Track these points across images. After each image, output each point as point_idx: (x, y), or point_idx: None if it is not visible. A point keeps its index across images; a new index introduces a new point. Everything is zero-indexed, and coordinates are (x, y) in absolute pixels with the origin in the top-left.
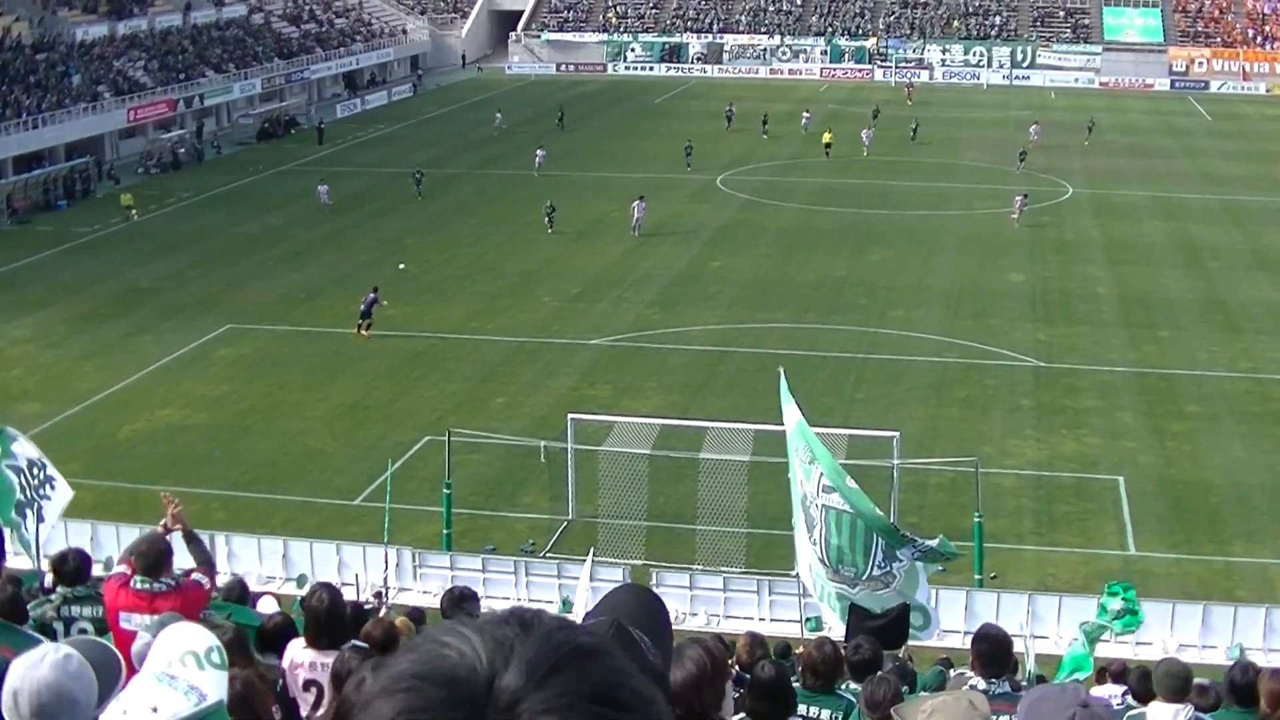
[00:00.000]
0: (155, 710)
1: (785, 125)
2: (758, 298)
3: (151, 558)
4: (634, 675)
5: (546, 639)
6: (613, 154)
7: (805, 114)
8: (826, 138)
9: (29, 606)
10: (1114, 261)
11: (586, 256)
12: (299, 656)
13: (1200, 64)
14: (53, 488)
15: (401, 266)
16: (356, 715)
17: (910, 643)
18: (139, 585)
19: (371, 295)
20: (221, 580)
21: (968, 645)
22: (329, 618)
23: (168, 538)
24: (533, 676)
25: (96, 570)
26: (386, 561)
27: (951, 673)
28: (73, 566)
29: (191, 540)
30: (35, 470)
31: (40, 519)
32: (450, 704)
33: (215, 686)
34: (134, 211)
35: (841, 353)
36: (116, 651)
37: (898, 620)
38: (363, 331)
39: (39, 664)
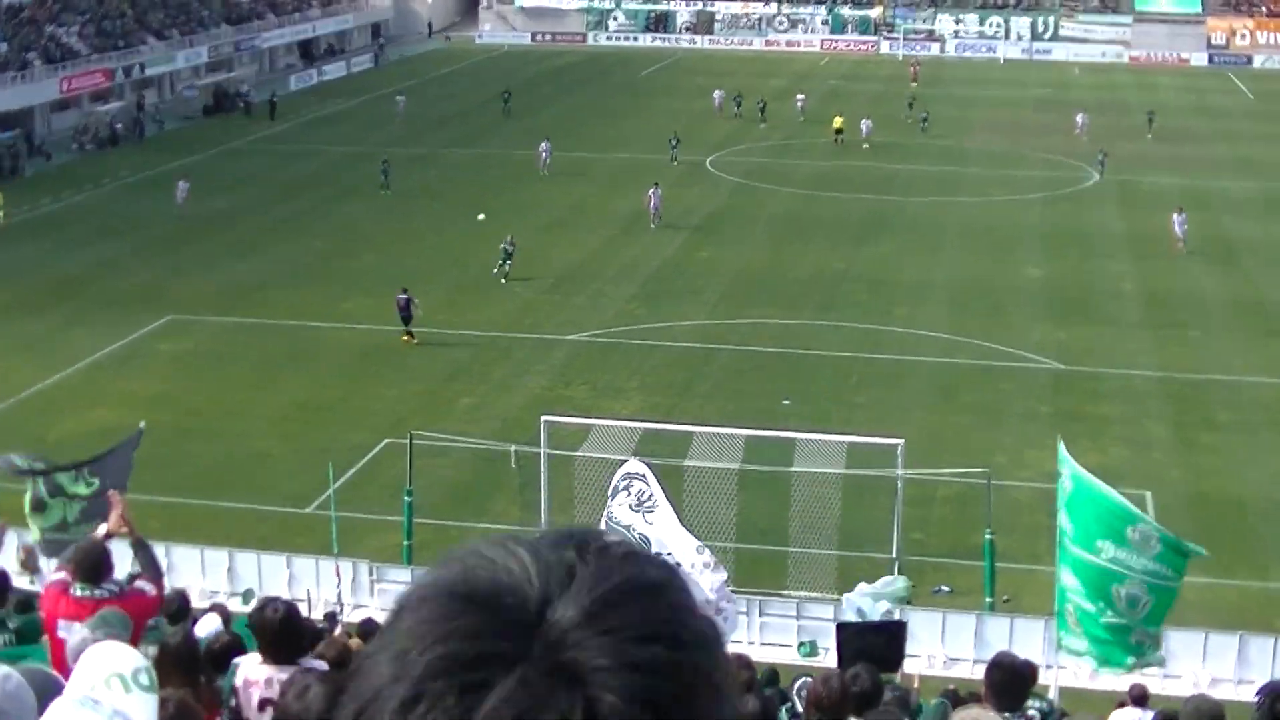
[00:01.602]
0: None
1: (781, 104)
2: (749, 291)
3: (90, 562)
4: (697, 614)
5: (608, 570)
6: (592, 134)
7: (800, 96)
8: (838, 122)
9: None
10: (1140, 255)
11: (562, 246)
12: (253, 674)
13: (1242, 36)
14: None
15: (481, 217)
16: (380, 638)
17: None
18: (79, 592)
19: (403, 296)
20: None
21: (977, 675)
22: (284, 628)
23: (111, 542)
24: (589, 609)
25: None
26: (338, 575)
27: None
28: None
29: (139, 546)
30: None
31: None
32: (493, 631)
33: (143, 711)
34: (1, 214)
35: (840, 352)
36: (60, 678)
37: (893, 638)
38: (407, 338)
39: None
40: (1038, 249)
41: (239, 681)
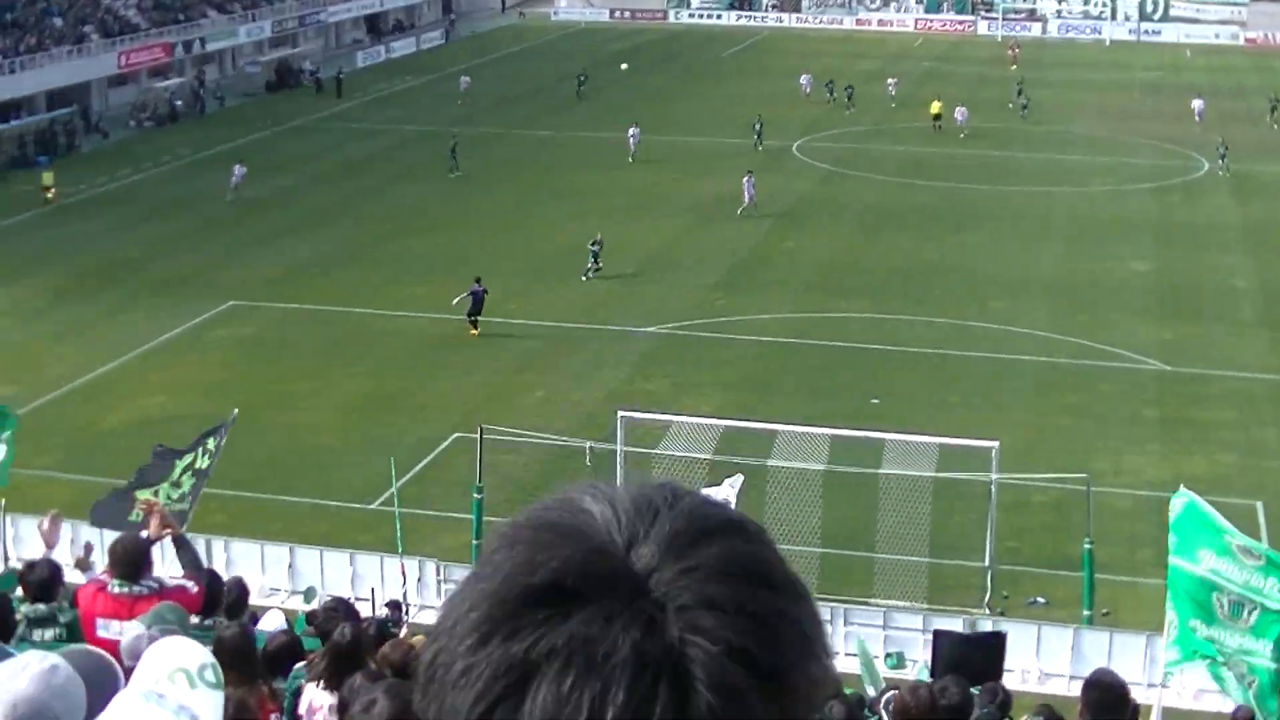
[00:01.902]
0: None
1: (871, 87)
2: (837, 283)
3: (129, 559)
4: (785, 562)
5: (696, 509)
6: (671, 117)
7: (891, 80)
8: (935, 107)
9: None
10: (1255, 249)
11: (640, 233)
12: (316, 700)
13: None
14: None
15: (624, 67)
16: (466, 577)
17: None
18: (117, 590)
19: (477, 287)
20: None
21: (1072, 692)
22: (352, 654)
23: (153, 542)
24: (674, 548)
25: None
26: (404, 574)
27: None
28: (40, 577)
29: (180, 545)
30: None
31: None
32: (577, 565)
33: (209, 707)
34: (52, 193)
35: (933, 349)
36: (113, 661)
37: (991, 649)
38: (474, 331)
39: (18, 675)
40: (1144, 242)
41: (303, 709)
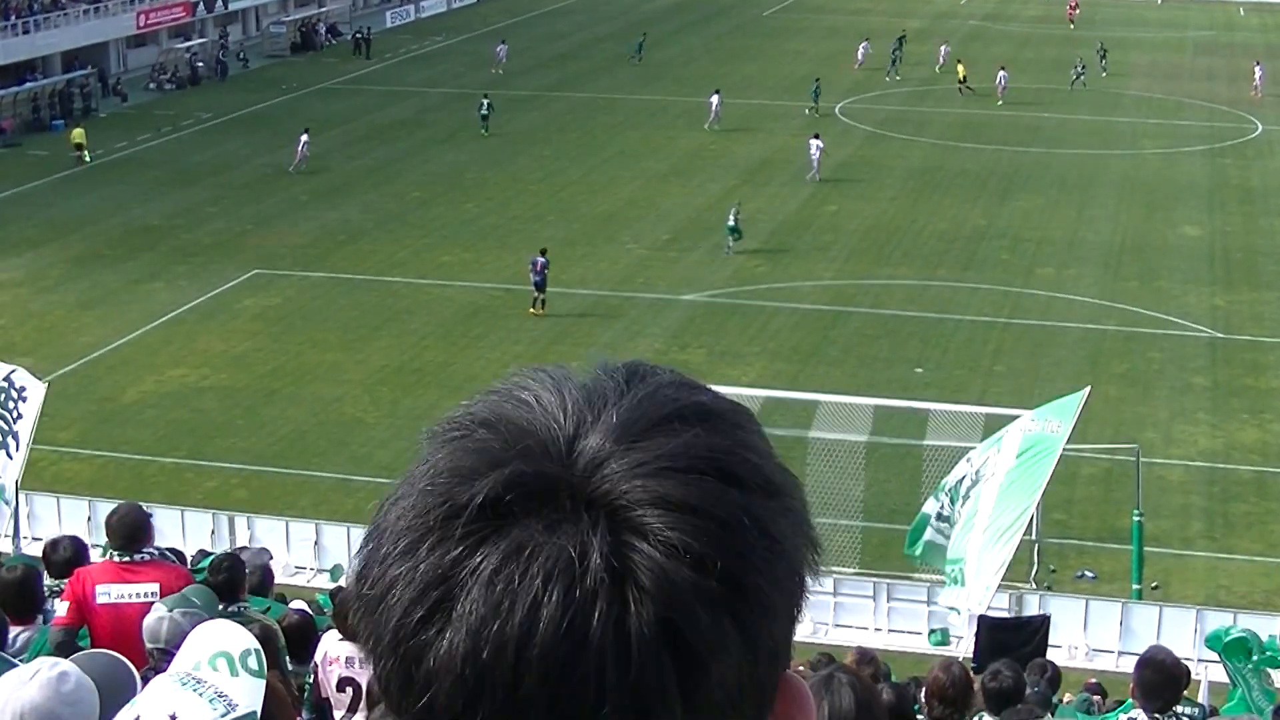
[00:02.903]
0: (173, 717)
1: (918, 46)
2: (880, 250)
3: (126, 529)
4: (764, 453)
5: (653, 394)
6: (709, 77)
7: (944, 47)
8: (961, 70)
9: None
10: None
11: (678, 198)
12: (333, 650)
13: None
14: (21, 398)
15: None
16: (405, 476)
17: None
18: (116, 558)
19: (541, 259)
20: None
21: (1121, 668)
22: None
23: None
24: (625, 435)
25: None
26: None
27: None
28: (65, 555)
29: None
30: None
31: (9, 454)
32: (512, 463)
33: (248, 695)
34: (85, 154)
35: (979, 316)
36: (129, 665)
37: (1035, 632)
38: (535, 309)
39: (26, 682)
40: (1197, 206)
41: (319, 657)
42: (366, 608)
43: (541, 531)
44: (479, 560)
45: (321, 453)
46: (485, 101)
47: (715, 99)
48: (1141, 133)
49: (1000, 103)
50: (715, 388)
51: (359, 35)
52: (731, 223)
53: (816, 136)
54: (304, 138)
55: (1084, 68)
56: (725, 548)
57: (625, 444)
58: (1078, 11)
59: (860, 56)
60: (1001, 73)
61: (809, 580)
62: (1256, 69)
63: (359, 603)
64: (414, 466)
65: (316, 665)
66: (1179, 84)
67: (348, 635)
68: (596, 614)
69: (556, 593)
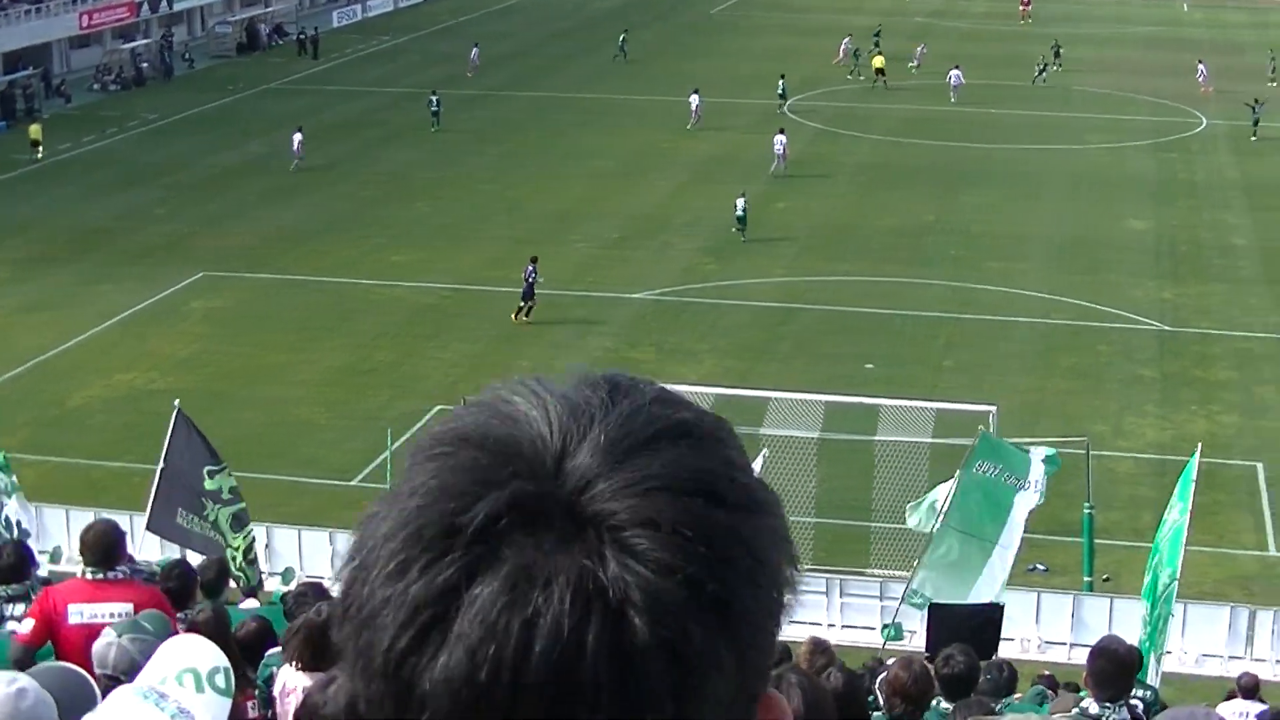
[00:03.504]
0: None
1: (863, 43)
2: (830, 246)
3: (101, 547)
4: (746, 470)
5: (639, 411)
6: (657, 75)
7: (920, 49)
8: (878, 61)
9: None
10: (1256, 207)
11: (628, 195)
12: (291, 681)
13: None
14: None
15: None
16: (385, 494)
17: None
18: (89, 576)
19: (530, 267)
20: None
21: (1074, 660)
22: (325, 635)
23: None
24: (612, 454)
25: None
26: None
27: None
28: (9, 561)
29: None
30: None
31: None
32: (503, 482)
33: (212, 713)
34: (42, 150)
35: (929, 312)
36: (88, 678)
37: (988, 621)
38: (521, 316)
39: None
40: (1143, 200)
41: (276, 690)
42: (354, 630)
43: (535, 552)
44: (472, 581)
45: (272, 455)
46: (434, 98)
47: (695, 98)
48: (1088, 128)
49: (953, 100)
50: (671, 387)
51: (303, 36)
52: (739, 212)
53: (781, 132)
54: (298, 136)
55: (1046, 65)
56: (715, 567)
57: (613, 463)
58: (1030, 8)
59: (841, 54)
60: (955, 71)
61: (789, 596)
62: (1200, 66)
63: (345, 624)
64: (400, 484)
65: (274, 698)
66: (1125, 79)
67: (307, 666)
68: (592, 634)
69: (551, 613)
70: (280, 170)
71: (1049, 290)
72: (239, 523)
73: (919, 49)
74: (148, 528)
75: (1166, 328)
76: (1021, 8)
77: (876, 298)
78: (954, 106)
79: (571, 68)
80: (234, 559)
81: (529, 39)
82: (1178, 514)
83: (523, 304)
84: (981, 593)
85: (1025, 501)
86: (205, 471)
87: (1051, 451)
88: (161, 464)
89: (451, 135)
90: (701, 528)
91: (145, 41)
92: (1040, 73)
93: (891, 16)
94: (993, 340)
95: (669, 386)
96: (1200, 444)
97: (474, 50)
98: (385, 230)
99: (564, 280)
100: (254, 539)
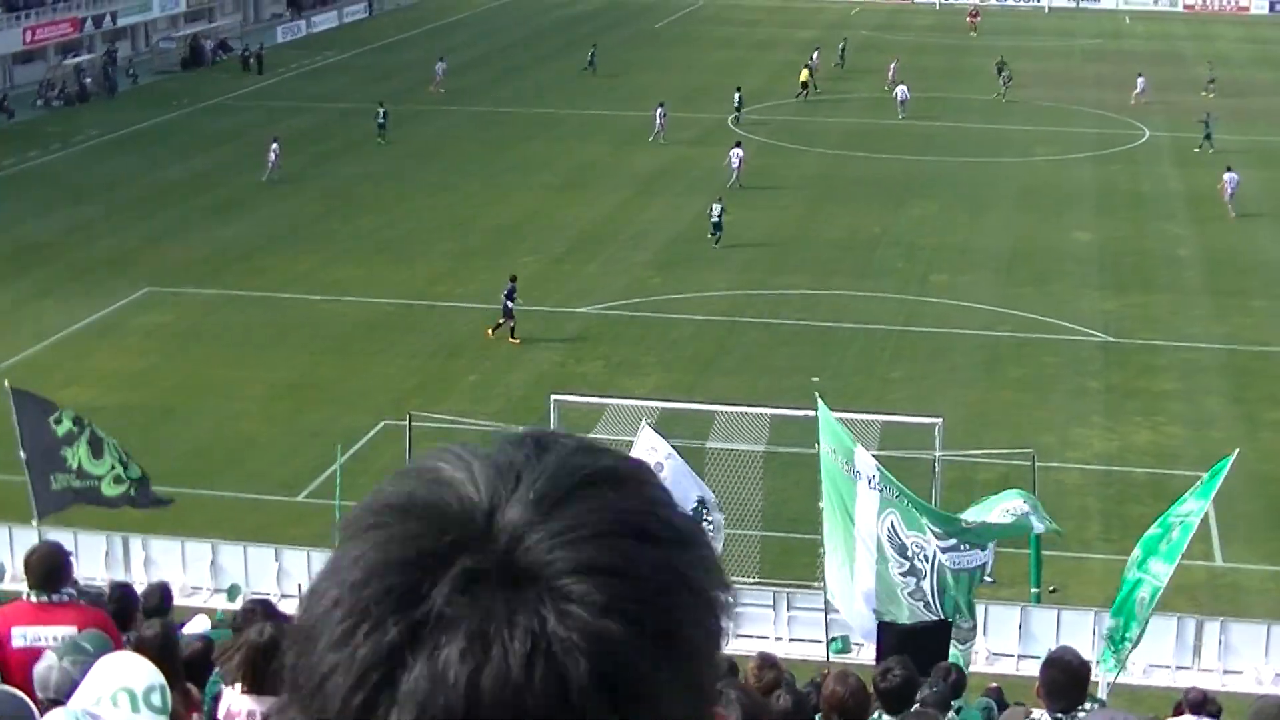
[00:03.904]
0: None
1: (803, 56)
2: (776, 259)
3: (44, 568)
4: (671, 506)
5: (562, 463)
6: (604, 88)
7: (892, 66)
8: (803, 75)
9: None
10: (1199, 218)
11: (573, 210)
12: (235, 704)
13: None
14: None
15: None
16: (322, 567)
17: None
18: (33, 598)
19: (510, 286)
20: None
21: (1023, 671)
22: (270, 654)
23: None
24: (539, 508)
25: None
26: None
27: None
28: None
29: None
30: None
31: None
32: (438, 543)
33: None
34: None
35: (875, 324)
36: (29, 702)
37: (935, 638)
38: (493, 333)
39: None
40: (1087, 211)
41: (221, 714)
42: (305, 699)
43: (476, 608)
44: (417, 641)
45: (217, 471)
46: (381, 111)
47: (660, 110)
48: (1033, 140)
49: (901, 117)
50: (620, 401)
51: (247, 53)
52: (715, 219)
53: (738, 145)
54: (274, 146)
55: (1005, 74)
56: (652, 603)
57: (543, 515)
58: (979, 19)
59: (815, 62)
60: (901, 87)
61: (724, 621)
62: (1140, 80)
63: (295, 694)
64: (337, 558)
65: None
66: (1068, 91)
67: (251, 688)
68: (538, 680)
69: (496, 664)
70: (226, 185)
71: (995, 302)
72: (96, 448)
73: (891, 66)
74: (38, 518)
75: (1111, 339)
76: (970, 19)
77: (823, 311)
78: (898, 119)
79: (516, 82)
80: (110, 486)
81: (473, 54)
82: (1193, 507)
83: (502, 321)
84: (868, 596)
85: (868, 499)
86: (50, 422)
87: (1026, 512)
88: (22, 452)
89: (397, 149)
90: (635, 566)
91: (89, 57)
92: (1004, 82)
93: (835, 29)
94: (939, 352)
95: (616, 401)
96: (1237, 449)
97: (440, 64)
98: (330, 245)
99: None
100: (118, 449)
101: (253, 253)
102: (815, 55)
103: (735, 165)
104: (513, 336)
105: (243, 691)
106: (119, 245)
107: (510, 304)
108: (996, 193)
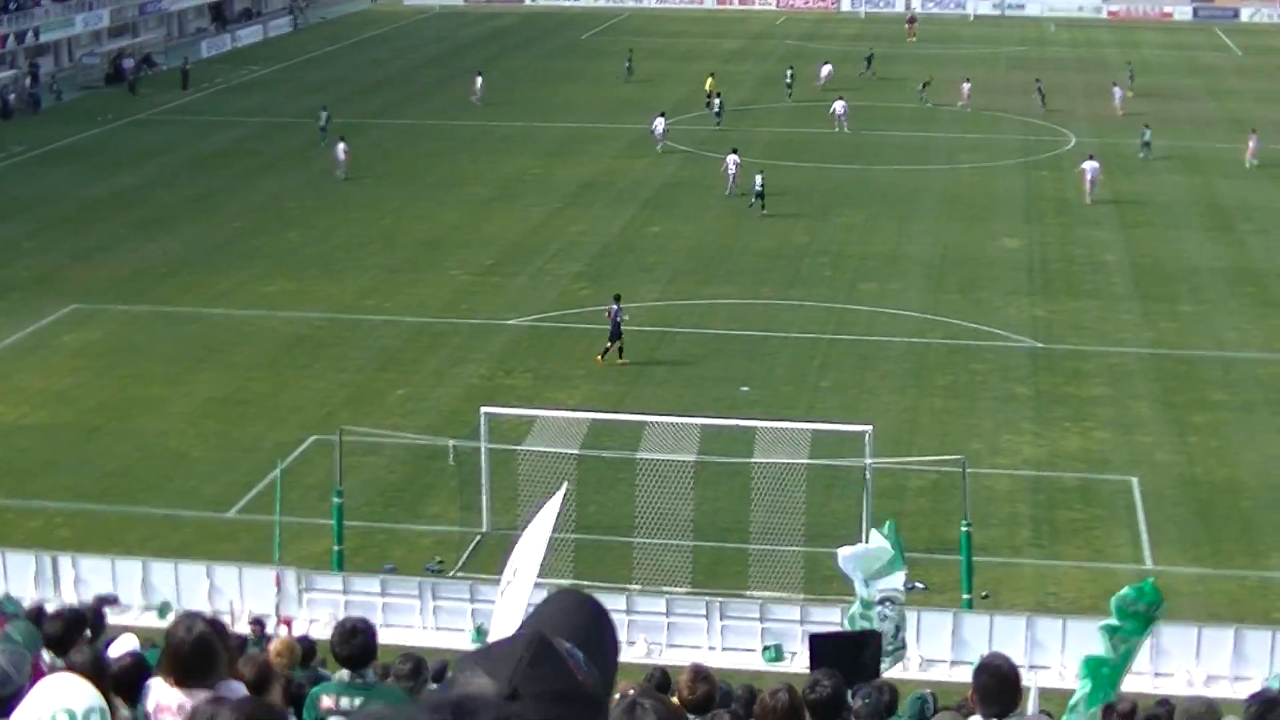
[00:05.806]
0: None
1: (737, 65)
2: (704, 269)
3: None
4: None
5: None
6: (531, 100)
7: (825, 66)
8: (709, 84)
9: None
10: (1125, 224)
11: (501, 222)
12: (165, 698)
13: None
14: None
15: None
16: None
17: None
18: None
19: (615, 306)
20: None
21: (954, 678)
22: (195, 651)
23: None
24: None
25: None
26: (279, 584)
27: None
28: None
29: None
30: None
31: None
32: None
33: None
34: None
35: (803, 333)
36: None
37: (867, 647)
38: (601, 359)
39: None
40: (1015, 218)
41: (150, 706)
42: None
43: None
44: None
45: (147, 488)
46: (324, 114)
47: (660, 122)
48: (959, 147)
49: (839, 130)
50: (548, 413)
51: (176, 69)
52: (758, 188)
53: (734, 152)
54: (342, 146)
55: (927, 84)
56: None
57: None
58: (916, 25)
59: (823, 77)
60: (839, 102)
61: None
62: (1037, 84)
63: None
64: None
65: (148, 713)
66: (994, 99)
67: (178, 682)
68: None
69: None
70: (152, 202)
71: (923, 310)
72: None
73: (825, 67)
74: None
75: (1040, 345)
76: (908, 26)
77: (751, 320)
78: (825, 129)
79: (442, 94)
80: None
81: (398, 67)
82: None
83: (610, 345)
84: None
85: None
86: None
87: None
88: None
89: (322, 165)
90: None
91: (11, 73)
92: (923, 91)
93: (759, 39)
94: (868, 361)
95: (546, 413)
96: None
97: (478, 78)
98: (257, 261)
99: (438, 308)
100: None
101: (180, 269)
102: (826, 66)
103: (731, 172)
104: (621, 357)
105: (172, 685)
106: (45, 262)
107: (619, 323)
108: (924, 201)
